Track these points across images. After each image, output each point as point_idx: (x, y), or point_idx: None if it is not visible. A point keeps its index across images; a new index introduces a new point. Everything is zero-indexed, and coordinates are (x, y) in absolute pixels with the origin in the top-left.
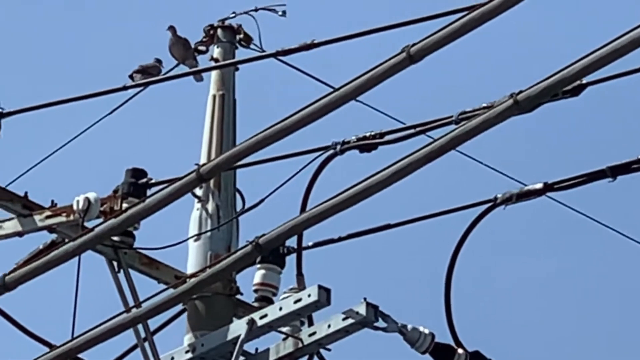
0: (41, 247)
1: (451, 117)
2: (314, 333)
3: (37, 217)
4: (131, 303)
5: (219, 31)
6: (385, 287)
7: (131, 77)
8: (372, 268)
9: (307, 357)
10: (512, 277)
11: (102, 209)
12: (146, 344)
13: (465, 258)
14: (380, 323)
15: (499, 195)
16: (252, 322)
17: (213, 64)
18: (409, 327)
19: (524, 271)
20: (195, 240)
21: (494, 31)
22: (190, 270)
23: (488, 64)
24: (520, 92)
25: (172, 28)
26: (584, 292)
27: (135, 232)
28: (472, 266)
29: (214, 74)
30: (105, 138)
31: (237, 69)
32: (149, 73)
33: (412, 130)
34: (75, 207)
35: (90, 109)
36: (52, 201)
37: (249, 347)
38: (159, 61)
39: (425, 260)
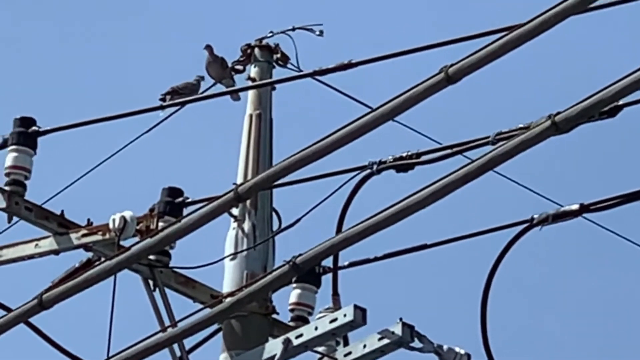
0: (77, 265)
1: (488, 137)
2: (349, 353)
3: (73, 236)
4: (167, 322)
5: (256, 50)
6: (421, 307)
7: (163, 99)
8: (408, 288)
9: None
10: (551, 297)
11: (138, 227)
12: None
13: (502, 277)
14: (416, 343)
15: (535, 216)
16: (287, 342)
17: (250, 83)
18: (445, 347)
19: (562, 291)
20: (232, 260)
21: (532, 52)
22: (226, 289)
23: (526, 84)
24: (558, 113)
25: (209, 47)
26: (622, 312)
27: (171, 251)
28: (509, 287)
29: (250, 93)
30: (142, 157)
31: (274, 89)
32: (180, 94)
33: (449, 151)
34: (111, 226)
35: (127, 128)
36: (89, 219)
37: None
38: (201, 77)
39: (462, 280)
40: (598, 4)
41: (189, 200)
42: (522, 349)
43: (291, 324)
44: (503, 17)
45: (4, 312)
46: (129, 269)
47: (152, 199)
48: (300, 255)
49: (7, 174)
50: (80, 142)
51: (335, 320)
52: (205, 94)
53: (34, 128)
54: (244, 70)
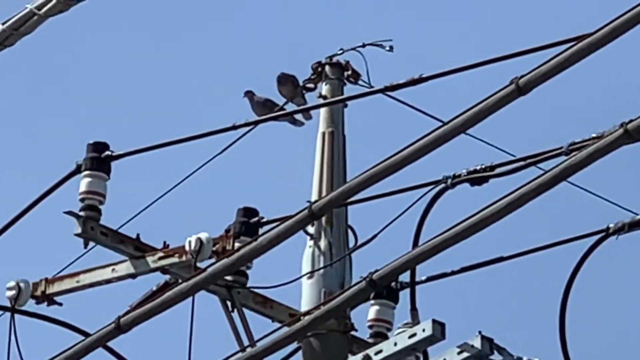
0: (154, 288)
1: (561, 148)
2: None
3: (149, 259)
4: (246, 342)
5: (327, 68)
6: (499, 320)
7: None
8: (485, 301)
9: None
10: (630, 308)
11: (214, 249)
12: None
13: (580, 287)
14: (496, 356)
15: (611, 225)
16: (367, 358)
17: (322, 101)
18: (525, 359)
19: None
20: (309, 278)
21: (602, 60)
22: (304, 308)
23: (597, 93)
24: (631, 121)
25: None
26: None
27: (248, 271)
28: (587, 295)
29: (323, 111)
30: (216, 178)
31: (345, 106)
32: (267, 107)
33: (522, 163)
34: (187, 248)
35: (200, 149)
36: (165, 242)
37: None
38: (270, 102)
39: (540, 291)
40: None
41: (265, 219)
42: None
43: (370, 340)
44: (573, 26)
45: (82, 337)
46: (207, 290)
47: (228, 220)
48: (377, 271)
49: (82, 200)
50: (154, 165)
51: (414, 335)
52: (277, 113)
53: (107, 153)
54: (315, 88)
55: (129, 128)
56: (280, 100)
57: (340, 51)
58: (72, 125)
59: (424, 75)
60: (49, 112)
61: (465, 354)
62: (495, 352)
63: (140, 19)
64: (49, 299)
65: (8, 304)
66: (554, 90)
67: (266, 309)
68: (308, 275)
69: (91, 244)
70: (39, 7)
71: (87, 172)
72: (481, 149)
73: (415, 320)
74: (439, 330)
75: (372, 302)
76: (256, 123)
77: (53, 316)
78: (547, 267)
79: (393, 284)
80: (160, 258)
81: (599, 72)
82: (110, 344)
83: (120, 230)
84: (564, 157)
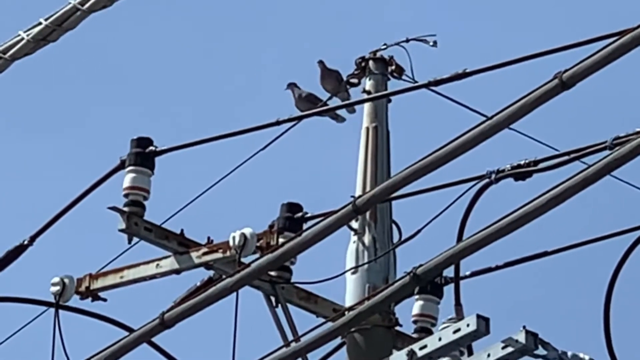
0: (198, 284)
1: (605, 142)
2: None
3: (193, 254)
4: (290, 337)
5: (371, 63)
6: (543, 315)
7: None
8: (529, 296)
9: None
10: None
11: (258, 244)
12: None
13: (624, 282)
14: (540, 351)
15: None
16: (412, 353)
17: (365, 96)
18: (569, 354)
19: None
20: (353, 273)
21: None
22: (348, 303)
23: None
24: None
25: (321, 62)
26: None
27: (292, 267)
28: (632, 291)
29: (366, 106)
30: (260, 173)
31: (389, 101)
32: (310, 101)
33: (566, 157)
34: (231, 243)
35: (244, 144)
36: (209, 238)
37: None
38: (313, 96)
39: (583, 286)
40: None
41: (308, 215)
42: None
43: (414, 335)
44: (616, 20)
45: (127, 333)
46: (251, 285)
47: (272, 215)
48: (421, 265)
49: (126, 195)
50: (197, 161)
51: (458, 330)
52: (320, 108)
53: (151, 148)
54: (359, 83)
55: (172, 123)
56: (323, 95)
57: (384, 46)
58: (115, 120)
59: (467, 70)
60: (93, 108)
61: (509, 349)
62: (540, 346)
63: (182, 14)
64: (93, 295)
65: (52, 300)
66: (597, 85)
67: (310, 304)
68: (352, 270)
69: (135, 239)
70: (82, 3)
71: (131, 168)
72: (525, 144)
73: (459, 315)
74: (484, 325)
75: (416, 297)
76: (299, 118)
77: (97, 312)
78: (591, 262)
79: (437, 279)
80: (205, 253)
81: None
82: (154, 339)
83: (164, 226)
84: (608, 152)
